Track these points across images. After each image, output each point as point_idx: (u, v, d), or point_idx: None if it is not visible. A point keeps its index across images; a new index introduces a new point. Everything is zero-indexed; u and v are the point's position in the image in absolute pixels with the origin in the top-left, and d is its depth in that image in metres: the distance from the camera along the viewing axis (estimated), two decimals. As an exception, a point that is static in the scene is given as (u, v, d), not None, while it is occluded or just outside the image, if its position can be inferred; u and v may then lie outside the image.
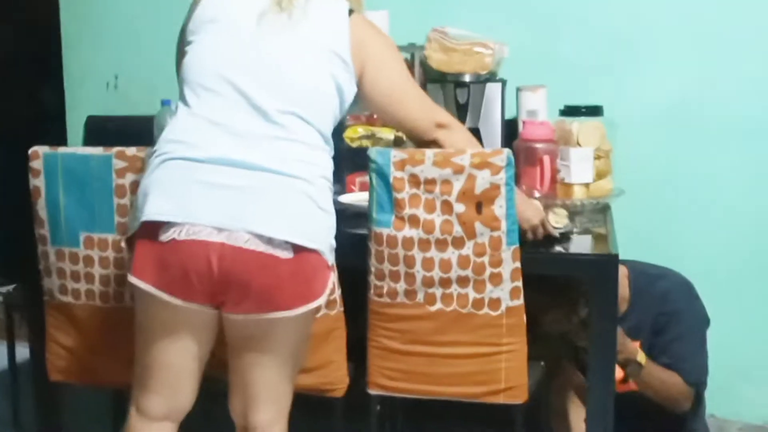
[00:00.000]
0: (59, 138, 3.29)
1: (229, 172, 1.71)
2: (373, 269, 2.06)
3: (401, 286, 2.03)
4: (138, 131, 3.03)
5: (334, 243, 1.82)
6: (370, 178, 2.03)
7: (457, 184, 1.95)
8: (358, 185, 2.65)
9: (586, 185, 2.56)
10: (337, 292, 2.07)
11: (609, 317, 2.05)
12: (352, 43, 1.85)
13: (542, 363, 2.28)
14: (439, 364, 2.06)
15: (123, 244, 2.02)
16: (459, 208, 1.96)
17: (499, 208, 1.94)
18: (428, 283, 2.01)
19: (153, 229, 1.70)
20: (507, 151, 1.94)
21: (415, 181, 1.98)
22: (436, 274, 2.00)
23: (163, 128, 2.97)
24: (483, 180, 1.94)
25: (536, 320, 2.14)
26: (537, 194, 2.48)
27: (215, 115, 1.76)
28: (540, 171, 2.52)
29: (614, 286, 2.03)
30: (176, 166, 1.73)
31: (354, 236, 2.11)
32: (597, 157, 2.57)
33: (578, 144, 2.57)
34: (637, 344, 2.40)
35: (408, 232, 2.00)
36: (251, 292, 1.71)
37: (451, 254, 1.98)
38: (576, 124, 2.58)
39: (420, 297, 2.03)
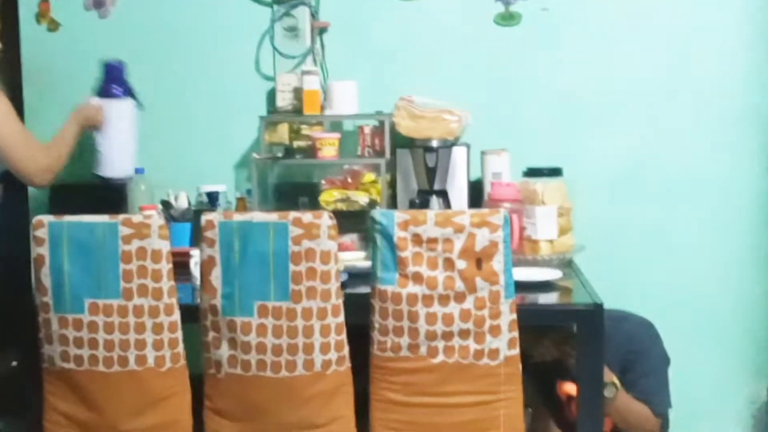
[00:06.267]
0: (21, 205, 3.28)
1: None
2: (377, 325, 2.16)
3: (405, 340, 2.14)
4: (104, 198, 3.08)
5: None
6: (374, 239, 2.15)
7: (458, 242, 2.09)
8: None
9: (551, 241, 2.75)
10: (346, 349, 2.17)
11: (596, 362, 2.21)
12: None
13: (530, 409, 2.42)
14: (440, 414, 2.17)
15: None
16: (460, 264, 2.10)
17: (497, 263, 2.09)
18: (431, 336, 2.13)
19: None
20: (504, 211, 2.11)
21: (417, 240, 2.11)
22: (439, 327, 2.12)
23: (137, 196, 3.06)
24: (483, 238, 2.09)
25: (527, 356, 2.27)
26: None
27: None
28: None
29: (600, 333, 2.20)
30: None
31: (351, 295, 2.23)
32: (559, 215, 2.76)
33: (543, 203, 2.75)
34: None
35: (412, 288, 2.12)
36: None
37: (453, 308, 2.11)
38: (540, 185, 2.77)
39: (423, 350, 2.14)
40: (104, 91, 2.90)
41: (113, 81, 2.92)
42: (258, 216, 2.17)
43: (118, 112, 2.90)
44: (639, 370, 2.61)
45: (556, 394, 2.62)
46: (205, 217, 2.17)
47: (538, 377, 2.56)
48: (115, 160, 2.94)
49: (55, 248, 2.18)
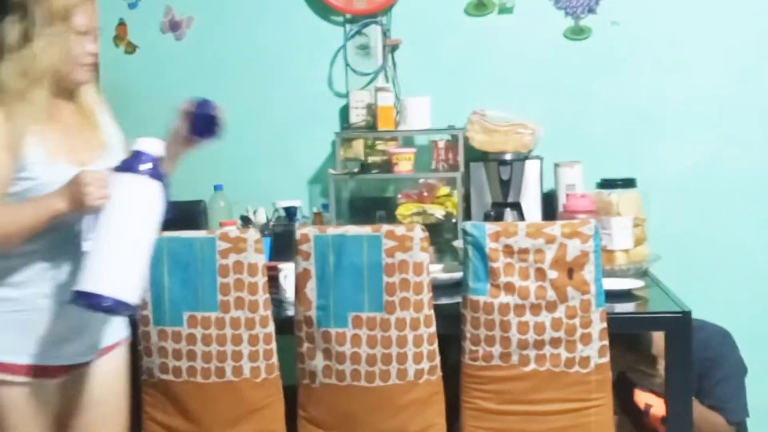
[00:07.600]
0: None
1: None
2: (468, 335, 2.21)
3: (497, 349, 2.19)
4: (180, 216, 3.16)
5: None
6: (465, 250, 2.20)
7: (550, 253, 2.14)
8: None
9: (626, 251, 2.78)
10: (438, 358, 2.22)
11: (684, 368, 2.24)
12: None
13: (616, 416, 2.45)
14: (532, 421, 2.21)
15: None
16: (552, 274, 2.14)
17: (588, 273, 2.14)
18: (523, 345, 2.17)
19: None
20: (594, 222, 2.15)
21: (509, 251, 2.16)
22: (531, 336, 2.17)
23: (216, 211, 3.11)
24: (574, 248, 2.13)
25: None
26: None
27: None
28: (585, 239, 2.74)
29: (688, 339, 2.23)
30: None
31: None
32: (634, 225, 2.80)
33: (618, 214, 2.79)
34: None
35: (504, 298, 2.16)
36: None
37: (545, 317, 2.16)
38: (615, 196, 2.81)
39: (515, 359, 2.19)
40: (126, 166, 1.89)
41: (142, 159, 1.89)
42: (352, 229, 2.22)
43: (140, 195, 1.88)
44: (714, 377, 2.63)
45: (634, 402, 2.65)
46: (300, 231, 2.23)
47: (616, 386, 2.60)
48: (116, 271, 1.84)
49: (156, 263, 2.24)
